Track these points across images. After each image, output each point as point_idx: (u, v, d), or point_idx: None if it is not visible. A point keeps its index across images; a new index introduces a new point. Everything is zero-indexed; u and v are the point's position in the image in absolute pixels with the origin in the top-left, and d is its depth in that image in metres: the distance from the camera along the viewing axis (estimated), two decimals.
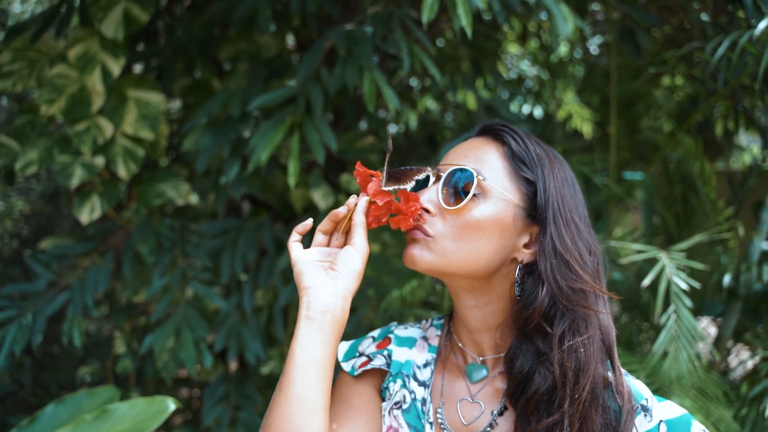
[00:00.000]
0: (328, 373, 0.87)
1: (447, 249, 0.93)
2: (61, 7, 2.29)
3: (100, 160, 2.19)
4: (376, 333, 1.13)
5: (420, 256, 0.94)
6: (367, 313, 2.32)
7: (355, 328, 2.28)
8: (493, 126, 1.01)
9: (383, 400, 1.05)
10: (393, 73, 2.47)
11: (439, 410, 1.01)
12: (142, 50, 2.39)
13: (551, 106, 3.37)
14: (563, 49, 3.57)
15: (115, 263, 2.38)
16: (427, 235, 0.95)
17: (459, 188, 0.94)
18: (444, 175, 0.96)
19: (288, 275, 2.42)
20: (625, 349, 2.19)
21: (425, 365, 1.05)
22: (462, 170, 0.95)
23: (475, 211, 0.93)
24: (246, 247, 2.37)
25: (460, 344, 1.05)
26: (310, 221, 0.96)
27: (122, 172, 2.23)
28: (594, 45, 3.49)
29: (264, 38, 2.42)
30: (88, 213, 2.18)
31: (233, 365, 2.59)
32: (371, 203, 0.95)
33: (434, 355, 1.06)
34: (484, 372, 1.01)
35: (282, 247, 2.46)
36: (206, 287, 2.30)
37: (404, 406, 1.02)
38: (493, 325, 0.99)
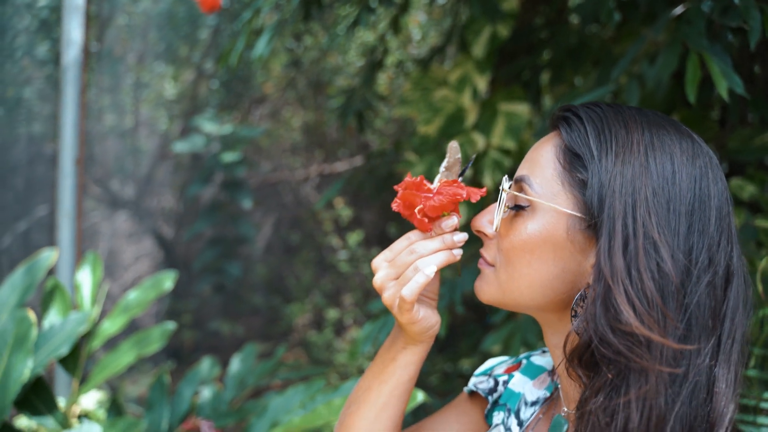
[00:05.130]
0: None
1: (501, 278, 0.77)
2: (450, 39, 2.60)
3: (468, 172, 2.39)
4: (525, 354, 0.96)
5: (480, 289, 0.80)
6: None
7: None
8: (554, 112, 0.76)
9: (489, 426, 0.90)
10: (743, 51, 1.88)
11: None
12: (511, 64, 2.49)
13: None
14: None
15: None
16: (486, 263, 0.79)
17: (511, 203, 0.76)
18: (501, 188, 0.77)
19: None
20: None
21: (533, 403, 0.85)
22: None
23: (521, 230, 0.74)
24: None
25: (558, 386, 0.82)
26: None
27: (488, 182, 2.38)
28: None
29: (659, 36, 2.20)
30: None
31: None
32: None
33: (548, 394, 0.85)
34: (563, 429, 0.77)
35: None
36: None
37: None
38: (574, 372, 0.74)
